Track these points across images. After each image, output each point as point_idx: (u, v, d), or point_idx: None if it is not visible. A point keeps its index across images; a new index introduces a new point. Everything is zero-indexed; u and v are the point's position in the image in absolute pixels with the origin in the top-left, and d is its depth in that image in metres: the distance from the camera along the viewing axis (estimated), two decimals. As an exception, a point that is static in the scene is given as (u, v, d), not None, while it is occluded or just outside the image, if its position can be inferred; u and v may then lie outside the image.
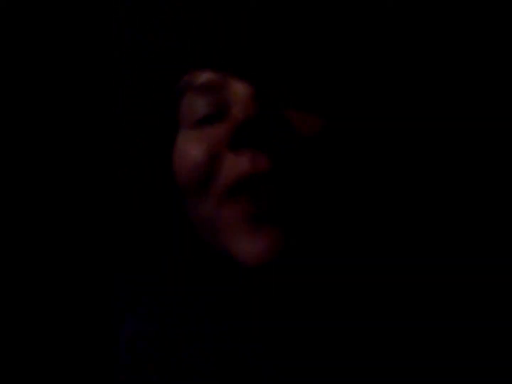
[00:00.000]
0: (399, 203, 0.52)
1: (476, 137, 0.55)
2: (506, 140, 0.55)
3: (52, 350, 0.49)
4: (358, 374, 0.44)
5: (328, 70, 0.45)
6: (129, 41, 0.49)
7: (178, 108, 0.46)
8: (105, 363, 0.48)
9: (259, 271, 0.43)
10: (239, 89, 0.44)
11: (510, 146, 0.55)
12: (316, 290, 0.46)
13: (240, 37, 0.43)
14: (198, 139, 0.45)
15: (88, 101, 0.53)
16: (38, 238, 0.51)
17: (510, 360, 0.45)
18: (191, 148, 0.45)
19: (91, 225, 0.52)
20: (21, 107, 0.52)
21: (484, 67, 0.55)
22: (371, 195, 0.49)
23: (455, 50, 0.54)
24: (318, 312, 0.46)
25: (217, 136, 0.44)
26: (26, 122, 0.52)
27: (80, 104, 0.53)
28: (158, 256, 0.50)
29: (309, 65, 0.44)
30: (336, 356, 0.45)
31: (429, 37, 0.53)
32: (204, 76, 0.45)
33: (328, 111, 0.44)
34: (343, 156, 0.45)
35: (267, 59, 0.43)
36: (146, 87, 0.48)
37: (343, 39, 0.46)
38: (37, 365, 0.49)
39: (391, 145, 0.51)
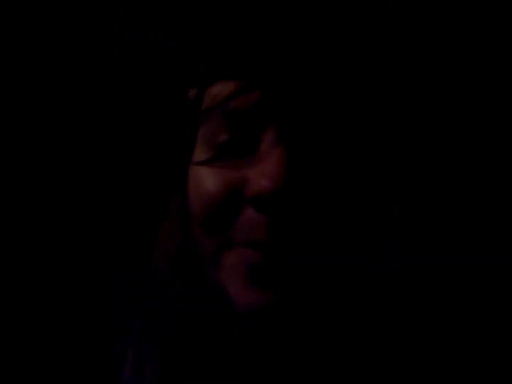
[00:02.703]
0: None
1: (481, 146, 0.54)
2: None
3: (52, 350, 0.49)
4: None
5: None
6: (129, 41, 0.49)
7: (200, 126, 0.43)
8: (105, 363, 0.48)
9: (251, 317, 0.42)
10: (273, 149, 0.40)
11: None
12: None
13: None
14: (220, 173, 0.42)
15: (88, 101, 0.53)
16: (37, 238, 0.51)
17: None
18: (210, 180, 0.42)
19: (91, 225, 0.52)
20: (21, 107, 0.52)
21: (487, 71, 0.54)
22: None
23: (457, 53, 0.54)
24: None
25: (242, 181, 0.41)
26: (26, 122, 0.52)
27: (80, 104, 0.53)
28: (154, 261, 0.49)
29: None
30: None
31: (431, 40, 0.53)
32: (238, 101, 0.41)
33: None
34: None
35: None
36: (146, 87, 0.48)
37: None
38: (37, 365, 0.49)
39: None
